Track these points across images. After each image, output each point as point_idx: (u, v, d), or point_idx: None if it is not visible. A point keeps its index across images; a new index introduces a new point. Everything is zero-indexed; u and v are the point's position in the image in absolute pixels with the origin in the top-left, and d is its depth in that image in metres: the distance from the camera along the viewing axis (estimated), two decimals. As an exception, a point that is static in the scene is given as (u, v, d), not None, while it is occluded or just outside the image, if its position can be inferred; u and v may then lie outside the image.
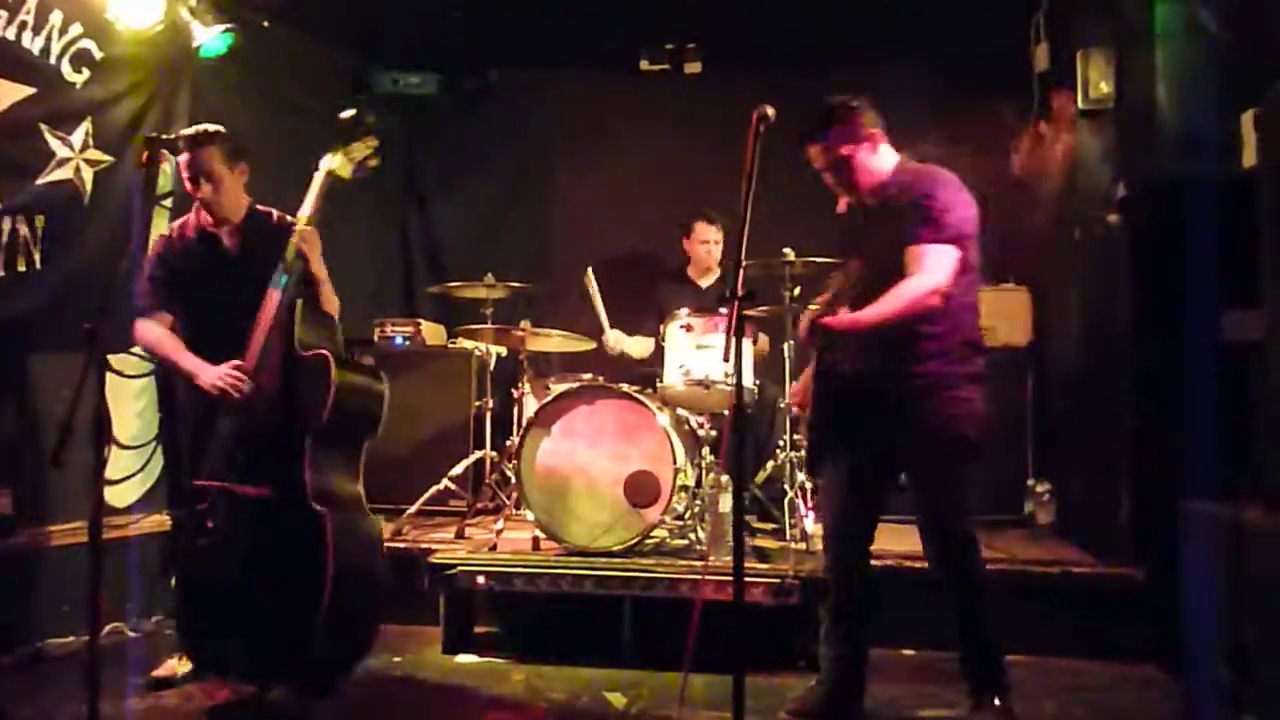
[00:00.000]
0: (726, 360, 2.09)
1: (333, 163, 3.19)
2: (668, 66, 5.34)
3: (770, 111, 2.51)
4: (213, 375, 3.06)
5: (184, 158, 3.20)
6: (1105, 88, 4.05)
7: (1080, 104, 4.11)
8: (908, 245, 2.67)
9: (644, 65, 5.34)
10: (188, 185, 3.23)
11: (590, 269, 4.86)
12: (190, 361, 3.17)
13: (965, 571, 2.89)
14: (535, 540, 3.92)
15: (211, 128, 3.23)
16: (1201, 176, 3.38)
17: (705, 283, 5.03)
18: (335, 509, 3.00)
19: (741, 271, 2.03)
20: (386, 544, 4.08)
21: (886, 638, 3.57)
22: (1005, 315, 4.74)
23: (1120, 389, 3.87)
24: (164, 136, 2.47)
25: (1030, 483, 4.50)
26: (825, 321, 2.72)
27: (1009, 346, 4.71)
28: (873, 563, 3.15)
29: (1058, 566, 3.77)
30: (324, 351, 3.05)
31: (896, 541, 4.10)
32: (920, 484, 2.90)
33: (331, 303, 3.32)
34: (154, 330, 3.26)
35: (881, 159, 2.90)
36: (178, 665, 3.27)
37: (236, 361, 3.06)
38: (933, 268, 2.65)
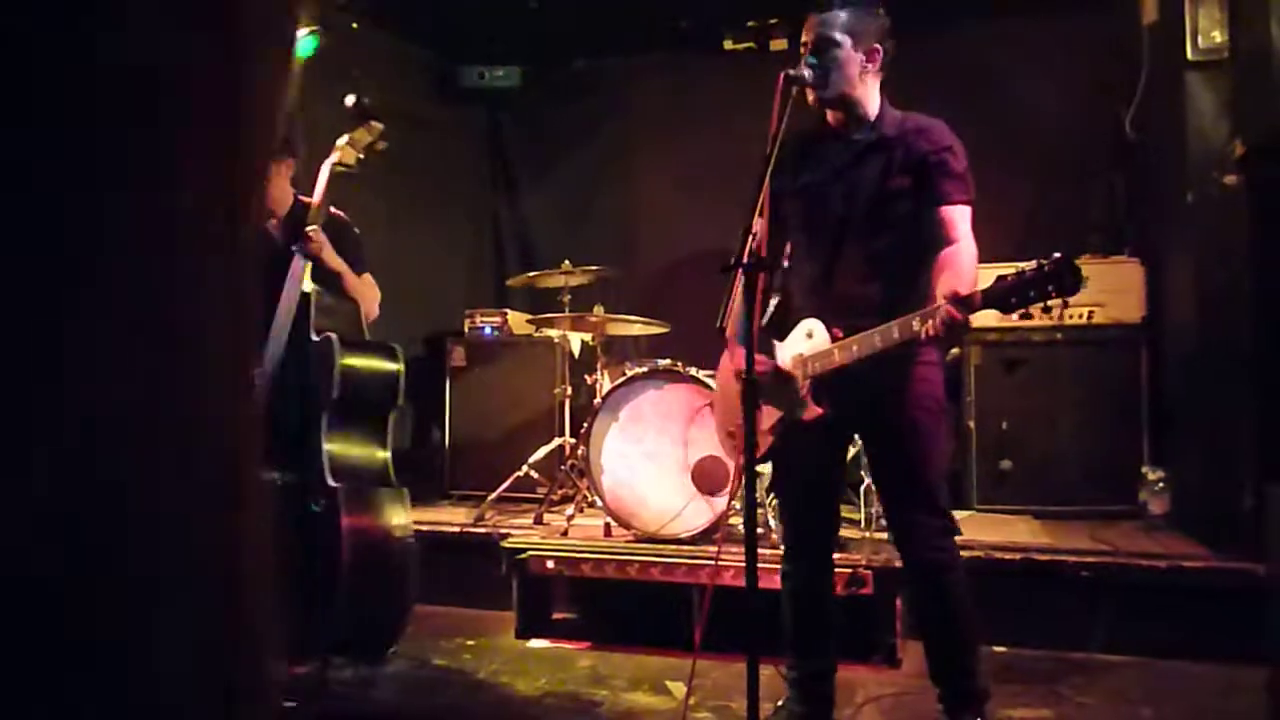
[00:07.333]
0: (722, 327, 1.99)
1: (337, 153, 3.27)
2: (752, 45, 5.19)
3: (807, 74, 2.38)
4: None
5: None
6: (1218, 36, 3.69)
7: (1190, 55, 3.76)
8: (940, 204, 2.35)
9: (727, 44, 5.22)
10: None
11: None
12: None
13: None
14: (607, 527, 3.90)
15: None
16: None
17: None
18: (353, 487, 3.08)
19: (751, 238, 1.91)
20: (467, 530, 4.19)
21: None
22: (1117, 289, 4.38)
23: (1242, 366, 3.54)
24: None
25: (1144, 470, 4.15)
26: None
27: (1121, 323, 4.37)
28: (962, 554, 2.87)
29: (1166, 560, 3.46)
30: (329, 334, 3.14)
31: (987, 532, 3.89)
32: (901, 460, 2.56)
33: (362, 292, 3.38)
34: None
35: (873, 84, 2.52)
36: None
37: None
38: (970, 235, 2.35)
